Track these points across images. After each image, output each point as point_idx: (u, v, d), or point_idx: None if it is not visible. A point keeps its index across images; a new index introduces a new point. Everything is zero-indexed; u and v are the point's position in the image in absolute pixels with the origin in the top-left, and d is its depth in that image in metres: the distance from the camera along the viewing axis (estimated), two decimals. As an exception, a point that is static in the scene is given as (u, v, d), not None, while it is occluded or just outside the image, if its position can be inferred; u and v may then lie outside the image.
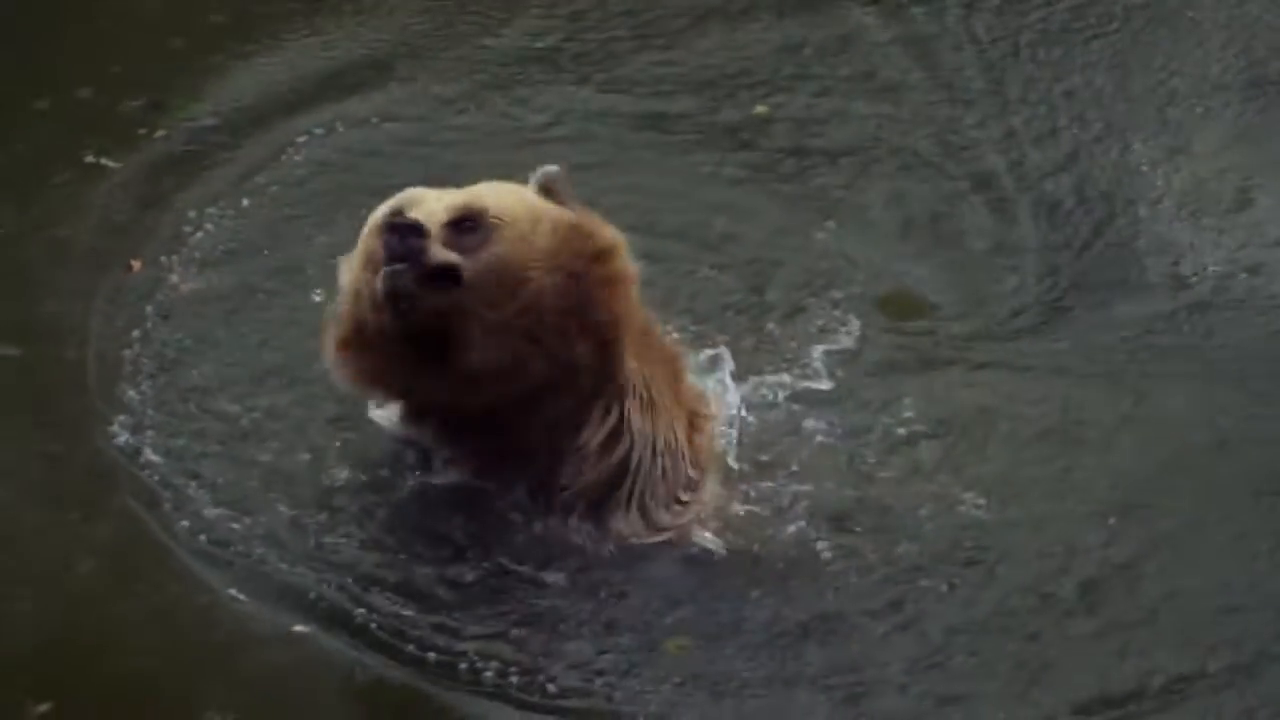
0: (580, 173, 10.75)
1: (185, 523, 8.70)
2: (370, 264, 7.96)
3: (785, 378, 9.53)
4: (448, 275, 7.82)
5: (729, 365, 9.26)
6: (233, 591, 8.45)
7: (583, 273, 8.01)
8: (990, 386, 9.77)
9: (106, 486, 8.82)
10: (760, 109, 11.79)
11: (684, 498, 8.49)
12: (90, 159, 11.04)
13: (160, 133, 11.30)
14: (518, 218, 7.90)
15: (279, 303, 9.90)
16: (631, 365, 8.22)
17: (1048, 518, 8.99)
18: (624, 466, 8.25)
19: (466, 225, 7.84)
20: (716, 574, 8.63)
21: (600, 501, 8.29)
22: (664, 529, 8.44)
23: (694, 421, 8.52)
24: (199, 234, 10.46)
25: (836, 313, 10.07)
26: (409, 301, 7.83)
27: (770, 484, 8.93)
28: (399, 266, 7.73)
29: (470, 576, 8.46)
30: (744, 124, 11.60)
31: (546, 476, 8.21)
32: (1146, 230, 10.82)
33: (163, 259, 10.26)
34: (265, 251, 10.34)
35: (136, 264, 10.21)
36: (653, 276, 9.47)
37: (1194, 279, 10.45)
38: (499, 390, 7.99)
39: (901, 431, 9.37)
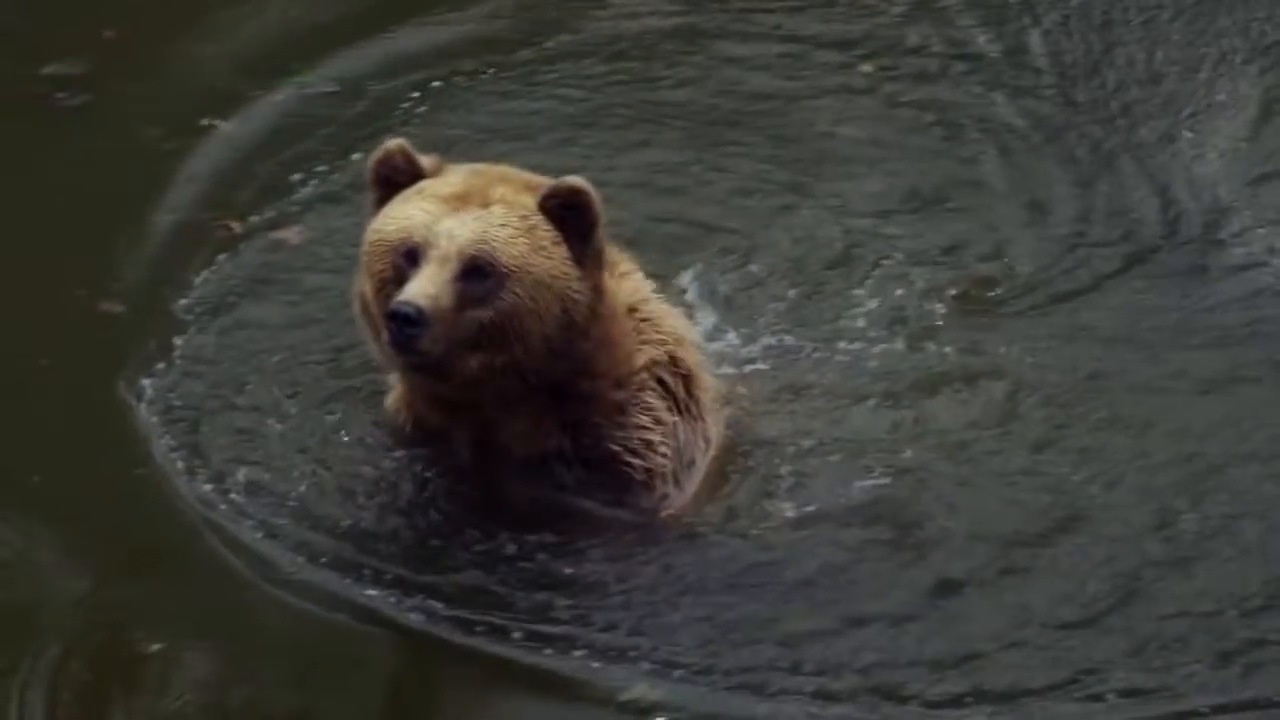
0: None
1: (208, 486, 8.95)
2: (377, 282, 8.41)
3: (851, 344, 9.74)
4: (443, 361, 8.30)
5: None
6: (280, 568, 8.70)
7: (578, 322, 8.44)
8: (1050, 356, 9.81)
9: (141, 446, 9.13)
10: (866, 68, 11.92)
11: (698, 459, 8.90)
12: (204, 122, 11.35)
13: (277, 96, 11.59)
14: (526, 264, 8.30)
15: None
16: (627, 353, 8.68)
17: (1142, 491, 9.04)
18: (650, 446, 8.74)
19: (478, 275, 8.25)
20: (800, 553, 8.78)
21: (628, 480, 8.77)
22: (685, 490, 8.86)
23: (674, 358, 8.86)
24: (302, 192, 10.76)
25: (899, 281, 10.21)
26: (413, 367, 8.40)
27: (840, 455, 9.13)
28: (401, 355, 8.26)
29: (525, 551, 8.70)
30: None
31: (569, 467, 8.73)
32: (1209, 207, 10.79)
33: (255, 218, 10.56)
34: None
35: (235, 225, 10.51)
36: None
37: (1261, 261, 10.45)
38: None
39: (973, 398, 9.48)
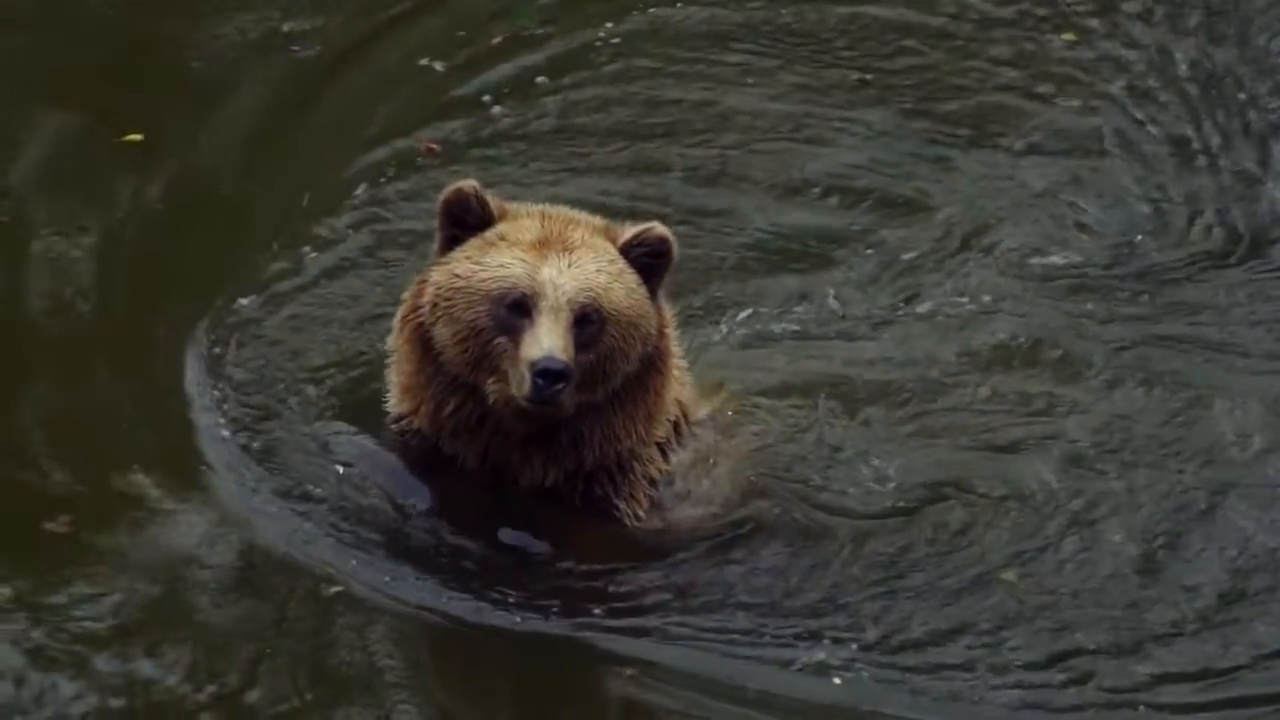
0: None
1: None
2: (467, 329, 8.61)
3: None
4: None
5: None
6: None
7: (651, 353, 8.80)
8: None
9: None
10: (1068, 35, 12.39)
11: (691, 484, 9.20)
12: (424, 62, 12.21)
13: (495, 40, 12.38)
14: (621, 308, 8.61)
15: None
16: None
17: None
18: (639, 500, 9.06)
19: (585, 322, 8.53)
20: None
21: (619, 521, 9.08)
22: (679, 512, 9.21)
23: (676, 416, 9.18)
24: (498, 124, 11.57)
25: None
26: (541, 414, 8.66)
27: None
28: (542, 406, 8.52)
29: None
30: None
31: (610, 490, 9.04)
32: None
33: (426, 145, 11.38)
34: (560, 147, 11.44)
35: (436, 146, 11.26)
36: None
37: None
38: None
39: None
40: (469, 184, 8.70)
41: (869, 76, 12.06)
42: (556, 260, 8.55)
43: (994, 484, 9.33)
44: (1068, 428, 9.62)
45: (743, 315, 10.21)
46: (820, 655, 8.65)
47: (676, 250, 8.73)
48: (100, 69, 12.19)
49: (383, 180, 11.17)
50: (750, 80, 11.97)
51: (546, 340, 8.41)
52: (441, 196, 8.70)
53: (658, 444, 8.99)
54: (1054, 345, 10.07)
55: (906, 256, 10.75)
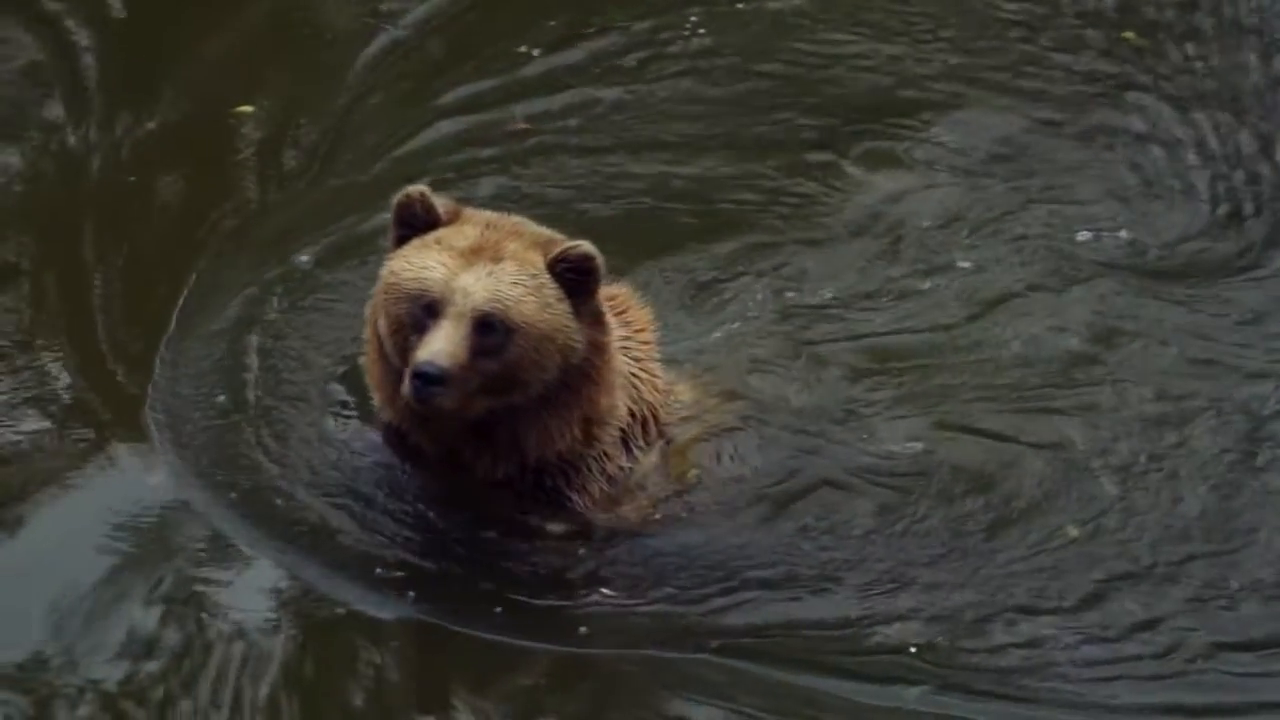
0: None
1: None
2: (394, 323, 8.85)
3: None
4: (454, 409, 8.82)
5: None
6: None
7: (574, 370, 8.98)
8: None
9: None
10: (1127, 34, 12.57)
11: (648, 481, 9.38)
12: (521, 49, 12.58)
13: (590, 29, 12.75)
14: (532, 321, 8.78)
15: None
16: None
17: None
18: (590, 491, 9.25)
19: (489, 330, 8.72)
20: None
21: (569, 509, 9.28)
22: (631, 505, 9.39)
23: (642, 413, 9.36)
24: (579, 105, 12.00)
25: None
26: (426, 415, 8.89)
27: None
28: (421, 406, 8.75)
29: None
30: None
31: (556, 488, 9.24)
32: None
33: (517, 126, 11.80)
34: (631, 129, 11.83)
35: (525, 124, 11.72)
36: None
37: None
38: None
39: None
40: (416, 189, 8.97)
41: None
42: (479, 269, 8.79)
43: (1044, 447, 9.52)
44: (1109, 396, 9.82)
45: (761, 294, 10.45)
46: (891, 629, 8.82)
47: (603, 268, 8.89)
48: (210, 43, 12.64)
49: (469, 160, 11.57)
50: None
51: (436, 344, 8.68)
52: (394, 199, 8.97)
53: (623, 441, 9.21)
54: (1095, 317, 10.27)
55: (924, 225, 10.95)
